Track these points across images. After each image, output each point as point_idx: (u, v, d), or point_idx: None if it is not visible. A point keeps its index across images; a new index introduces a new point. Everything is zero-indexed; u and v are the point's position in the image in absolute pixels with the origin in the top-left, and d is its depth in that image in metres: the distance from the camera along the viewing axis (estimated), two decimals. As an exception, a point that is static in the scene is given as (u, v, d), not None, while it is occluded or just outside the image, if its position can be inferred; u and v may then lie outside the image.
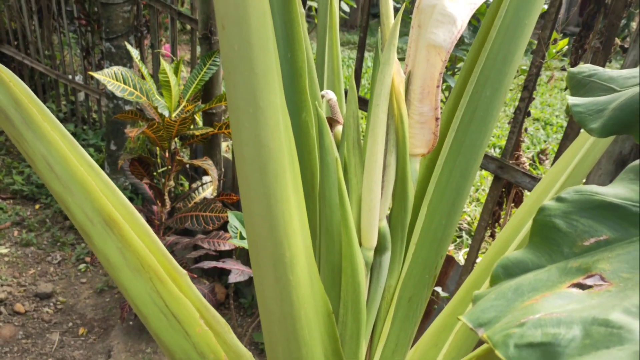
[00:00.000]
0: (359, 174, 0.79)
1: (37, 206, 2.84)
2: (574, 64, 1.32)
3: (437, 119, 0.78)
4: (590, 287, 0.42)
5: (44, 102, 3.70)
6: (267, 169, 0.55)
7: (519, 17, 0.80)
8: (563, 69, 1.55)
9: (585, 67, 0.65)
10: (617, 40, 1.21)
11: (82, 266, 2.44)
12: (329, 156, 0.75)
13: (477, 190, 3.06)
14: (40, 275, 2.36)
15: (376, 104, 0.71)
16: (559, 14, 1.28)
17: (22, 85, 0.80)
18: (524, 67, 1.75)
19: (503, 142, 3.60)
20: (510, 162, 1.40)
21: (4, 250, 2.46)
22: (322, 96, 0.95)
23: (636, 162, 0.45)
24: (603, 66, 1.24)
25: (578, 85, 0.64)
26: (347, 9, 3.26)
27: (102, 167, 2.84)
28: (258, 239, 0.62)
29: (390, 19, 0.79)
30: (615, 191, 0.44)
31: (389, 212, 0.82)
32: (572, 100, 0.61)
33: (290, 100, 0.84)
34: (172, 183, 2.09)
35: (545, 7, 1.31)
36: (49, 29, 3.42)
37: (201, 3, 1.99)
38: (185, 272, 0.92)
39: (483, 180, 3.17)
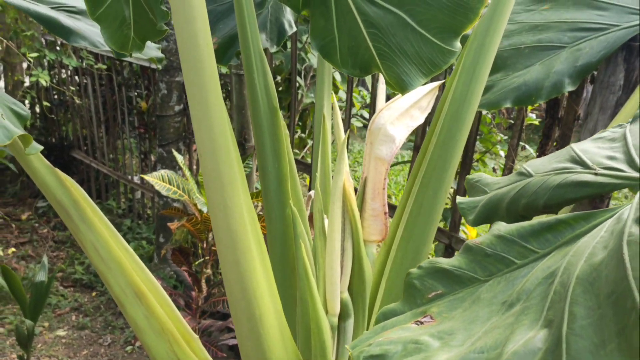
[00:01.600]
0: (324, 255, 1.02)
1: (94, 293, 3.14)
2: (537, 166, 1.54)
3: (385, 213, 1.01)
4: (422, 323, 0.64)
5: (106, 199, 4.11)
6: (237, 247, 0.80)
7: (451, 133, 1.03)
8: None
9: (476, 175, 0.88)
10: (571, 147, 1.42)
11: (129, 348, 2.68)
12: (299, 241, 0.99)
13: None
14: (92, 356, 2.62)
15: (332, 202, 0.96)
16: (523, 125, 1.52)
17: (80, 189, 1.09)
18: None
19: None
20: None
21: (62, 333, 2.75)
22: (310, 196, 1.21)
23: (468, 241, 0.67)
24: (561, 168, 1.45)
25: (470, 188, 0.87)
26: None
27: (152, 257, 3.14)
28: (234, 300, 0.86)
29: (340, 138, 1.04)
30: (449, 260, 0.67)
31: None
32: (459, 199, 0.84)
33: (277, 200, 1.09)
34: (209, 271, 2.35)
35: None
36: (114, 136, 3.88)
37: (237, 114, 2.33)
38: (196, 336, 1.16)
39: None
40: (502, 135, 2.28)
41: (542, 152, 1.49)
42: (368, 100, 3.65)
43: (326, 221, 1.03)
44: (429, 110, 1.04)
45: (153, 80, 3.09)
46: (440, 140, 1.04)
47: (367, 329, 1.08)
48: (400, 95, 1.03)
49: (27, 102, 4.25)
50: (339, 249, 0.98)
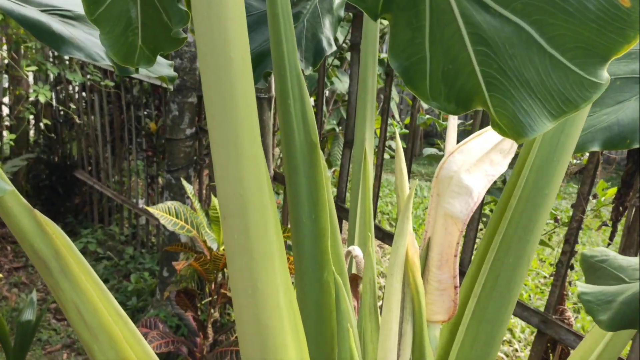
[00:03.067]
0: (375, 340, 0.78)
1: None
2: (614, 220, 1.29)
3: (455, 286, 0.78)
4: None
5: (109, 224, 3.88)
6: (267, 347, 0.56)
7: (539, 187, 0.81)
8: (605, 224, 1.53)
9: (597, 251, 0.64)
10: (659, 199, 1.19)
11: (123, 393, 2.43)
12: (344, 321, 0.76)
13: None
14: (81, 400, 2.37)
15: (390, 274, 0.72)
16: (597, 170, 1.28)
17: (64, 237, 0.86)
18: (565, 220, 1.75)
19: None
20: (554, 317, 1.35)
21: (51, 373, 2.50)
22: (349, 252, 0.98)
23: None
24: (645, 224, 1.21)
25: (591, 269, 0.64)
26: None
27: (154, 292, 2.90)
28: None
29: (404, 191, 0.81)
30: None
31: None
32: (582, 288, 0.60)
33: (313, 260, 0.86)
34: (216, 314, 2.11)
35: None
36: (120, 157, 3.67)
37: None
38: None
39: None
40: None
41: (620, 202, 1.26)
42: (400, 130, 3.43)
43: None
44: (512, 154, 0.81)
45: (164, 100, 2.88)
46: (525, 194, 0.81)
47: None
48: (476, 134, 0.81)
49: (30, 117, 4.06)
50: (396, 334, 0.74)
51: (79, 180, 3.96)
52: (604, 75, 0.51)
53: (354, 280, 0.96)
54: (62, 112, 3.98)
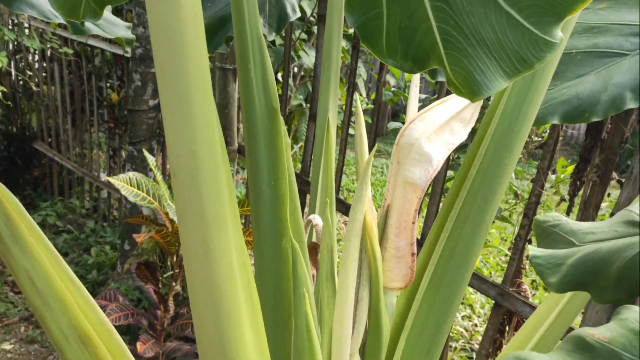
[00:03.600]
0: (331, 306, 0.78)
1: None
2: (572, 195, 1.32)
3: (413, 254, 0.78)
4: None
5: (69, 197, 3.80)
6: (221, 310, 0.55)
7: (499, 157, 0.81)
8: (563, 199, 1.56)
9: (550, 217, 0.65)
10: (615, 175, 1.21)
11: (82, 367, 2.40)
12: (301, 287, 0.75)
13: (478, 316, 2.97)
14: (40, 374, 2.33)
15: (348, 240, 0.72)
16: (557, 145, 1.30)
17: (14, 201, 0.83)
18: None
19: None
20: (511, 289, 1.37)
21: (7, 347, 2.45)
22: (310, 221, 0.97)
23: (577, 331, 0.44)
24: (601, 199, 1.23)
25: (543, 234, 0.64)
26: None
27: (115, 266, 2.86)
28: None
29: (364, 157, 0.81)
30: (553, 361, 0.43)
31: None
32: (533, 251, 0.60)
33: (271, 228, 0.85)
34: (178, 287, 2.09)
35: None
36: (81, 129, 3.58)
37: (219, 114, 2.08)
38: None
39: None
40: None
41: (578, 177, 1.28)
42: (365, 105, 3.41)
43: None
44: (472, 124, 0.81)
45: (127, 70, 2.81)
46: (485, 164, 0.82)
47: (379, 401, 0.84)
48: (437, 102, 0.80)
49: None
50: (352, 300, 0.74)
51: (39, 152, 3.86)
52: (558, 34, 0.51)
53: (314, 248, 0.95)
54: (21, 82, 3.85)
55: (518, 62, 0.52)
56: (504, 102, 0.81)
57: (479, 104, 0.80)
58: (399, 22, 0.52)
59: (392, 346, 0.85)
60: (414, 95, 0.84)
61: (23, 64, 3.85)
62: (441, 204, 1.51)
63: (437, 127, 0.78)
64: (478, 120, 0.94)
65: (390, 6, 0.51)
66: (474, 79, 0.52)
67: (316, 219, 0.96)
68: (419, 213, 0.80)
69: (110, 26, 0.96)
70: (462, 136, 0.80)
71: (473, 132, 0.88)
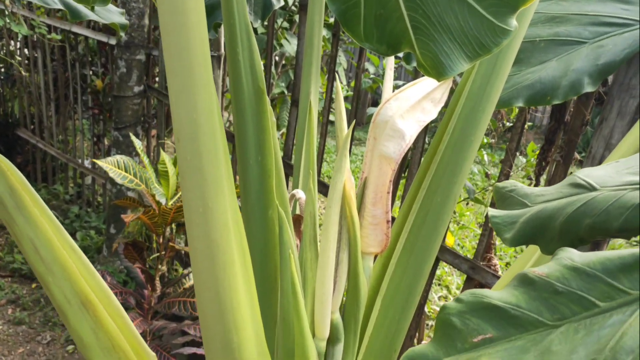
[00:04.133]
0: (314, 268, 0.86)
1: (33, 285, 2.89)
2: (537, 174, 1.41)
3: (388, 221, 0.86)
4: (470, 378, 0.49)
5: (53, 183, 3.83)
6: (216, 261, 0.63)
7: (466, 133, 0.89)
8: (529, 178, 1.65)
9: (508, 183, 0.73)
10: (576, 155, 1.31)
11: (70, 347, 2.46)
12: (286, 251, 0.83)
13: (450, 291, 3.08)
14: (28, 355, 2.38)
15: (329, 206, 0.80)
16: (524, 127, 1.39)
17: (18, 174, 0.89)
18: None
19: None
20: (482, 263, 1.46)
21: (-5, 328, 2.50)
22: (293, 195, 1.05)
23: (524, 270, 0.52)
24: (564, 177, 1.33)
25: (501, 198, 0.73)
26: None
27: (101, 249, 2.91)
28: (208, 324, 0.69)
29: (343, 131, 0.88)
30: (501, 295, 0.51)
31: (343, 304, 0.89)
32: (492, 212, 0.69)
33: (258, 199, 0.92)
34: (164, 268, 2.15)
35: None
36: (64, 115, 3.61)
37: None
38: (154, 354, 0.98)
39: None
40: (487, 137, 2.16)
41: (543, 158, 1.37)
42: (345, 93, 3.49)
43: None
44: (442, 104, 0.89)
45: (111, 57, 2.85)
46: (453, 140, 0.90)
47: (357, 355, 0.92)
48: (410, 84, 0.88)
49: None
50: (333, 262, 0.82)
51: (21, 139, 3.88)
52: (513, 22, 0.59)
53: (297, 220, 1.03)
54: (2, 69, 3.86)
55: (478, 46, 0.60)
56: (469, 84, 0.89)
57: (448, 85, 0.88)
58: (374, 11, 0.59)
59: (370, 306, 0.94)
60: (389, 77, 0.92)
61: (4, 51, 3.86)
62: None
63: (410, 106, 0.86)
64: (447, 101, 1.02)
65: (366, -5, 0.59)
66: (440, 61, 0.60)
67: (299, 192, 1.03)
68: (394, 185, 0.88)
69: (106, 12, 1.02)
70: (432, 114, 0.88)
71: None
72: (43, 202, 0.91)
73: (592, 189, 0.59)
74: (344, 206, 0.82)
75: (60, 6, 0.97)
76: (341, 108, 0.87)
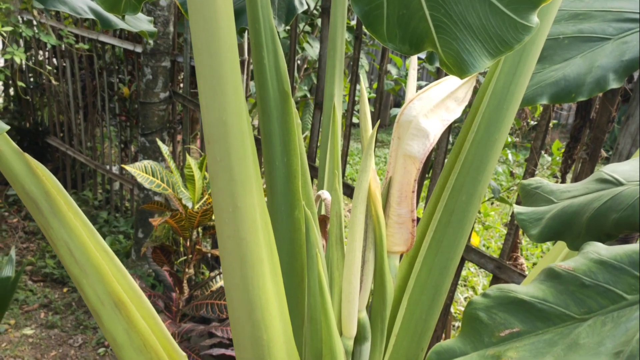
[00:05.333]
0: (340, 267, 0.87)
1: (65, 289, 2.95)
2: (563, 172, 1.40)
3: (413, 220, 0.87)
4: (498, 371, 0.49)
5: (82, 190, 3.90)
6: (245, 259, 0.64)
7: (490, 132, 0.89)
8: (555, 176, 1.64)
9: (533, 180, 0.74)
10: (603, 152, 1.30)
11: (101, 350, 2.50)
12: (313, 251, 0.84)
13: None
14: (60, 358, 2.43)
15: (355, 206, 0.81)
16: (549, 125, 1.38)
17: (53, 179, 0.92)
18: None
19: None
20: (508, 262, 1.46)
21: (29, 332, 2.55)
22: (319, 196, 1.06)
23: (550, 265, 0.53)
24: (590, 175, 1.32)
25: (527, 195, 0.73)
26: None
27: (129, 253, 2.96)
28: (237, 322, 0.70)
29: (368, 132, 0.89)
30: (527, 289, 0.52)
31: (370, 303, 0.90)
32: (517, 208, 0.69)
33: (285, 200, 0.94)
34: (191, 271, 2.18)
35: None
36: (92, 123, 3.68)
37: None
38: (184, 354, 0.99)
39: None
40: (512, 136, 2.14)
41: (569, 156, 1.36)
42: (368, 95, 3.49)
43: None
44: (466, 103, 0.90)
45: (137, 65, 2.90)
46: (477, 138, 0.90)
47: (385, 354, 0.93)
48: (434, 83, 0.89)
49: (0, 84, 4.02)
50: (359, 261, 0.83)
51: (51, 147, 3.96)
52: (534, 19, 0.59)
53: (323, 221, 1.04)
54: (32, 79, 3.95)
55: (500, 43, 0.60)
56: (493, 82, 0.89)
57: (472, 84, 0.89)
58: (397, 11, 0.60)
59: (396, 304, 0.94)
60: (413, 77, 0.93)
61: (33, 61, 3.95)
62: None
63: (434, 105, 0.86)
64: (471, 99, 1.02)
65: (389, -3, 0.60)
66: (462, 58, 0.61)
67: (325, 194, 1.04)
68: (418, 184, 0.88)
69: (135, 21, 1.05)
70: (456, 113, 0.89)
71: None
72: (77, 206, 0.94)
73: (618, 183, 0.59)
74: (370, 205, 0.83)
75: (91, 16, 1.00)
76: (365, 109, 0.89)
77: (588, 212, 0.59)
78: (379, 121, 0.97)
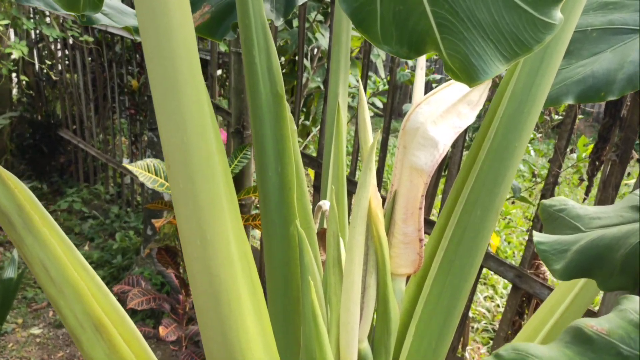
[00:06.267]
0: (338, 292, 0.78)
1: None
2: (590, 175, 1.29)
3: (420, 239, 0.77)
4: None
5: (94, 183, 3.86)
6: (220, 298, 0.56)
7: (508, 139, 0.79)
8: (581, 179, 1.52)
9: (556, 200, 0.64)
10: (635, 154, 1.18)
11: (109, 350, 2.45)
12: (307, 274, 0.75)
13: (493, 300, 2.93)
14: (67, 359, 2.38)
15: (353, 227, 0.72)
16: (574, 124, 1.27)
17: (27, 191, 0.84)
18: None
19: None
20: (529, 271, 1.36)
21: (36, 331, 2.51)
22: (319, 207, 0.97)
23: (576, 322, 0.43)
24: (621, 179, 1.20)
25: (549, 219, 0.63)
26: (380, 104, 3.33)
27: (139, 250, 2.90)
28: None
29: (368, 142, 0.80)
30: (550, 354, 0.42)
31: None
32: (538, 237, 0.59)
33: (279, 214, 0.85)
34: (199, 272, 2.11)
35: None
36: (103, 116, 3.62)
37: (235, 98, 2.07)
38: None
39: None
40: (534, 132, 2.01)
41: (596, 157, 1.25)
42: (381, 87, 3.37)
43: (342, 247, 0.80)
44: (481, 106, 0.79)
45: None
46: (494, 146, 0.80)
47: (389, 387, 0.84)
48: (444, 85, 0.79)
49: (13, 76, 3.98)
50: (359, 286, 0.74)
51: (64, 139, 3.92)
52: (557, 15, 0.49)
53: (324, 234, 0.95)
54: (45, 71, 3.90)
55: (516, 44, 0.50)
56: (513, 83, 0.79)
57: (488, 84, 0.78)
58: (393, 7, 0.51)
59: (403, 332, 0.85)
60: (420, 77, 0.83)
61: (46, 52, 3.89)
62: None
63: (444, 110, 0.77)
64: (489, 100, 0.92)
65: (383, -9, 0.50)
66: (470, 63, 0.51)
67: (325, 204, 0.95)
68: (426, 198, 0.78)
69: (120, 15, 0.96)
70: (469, 119, 0.79)
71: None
72: (53, 221, 0.86)
73: (661, 215, 0.49)
74: (370, 225, 0.74)
75: (70, 12, 0.91)
76: (365, 116, 0.79)
77: (623, 247, 0.49)
78: (379, 131, 0.87)
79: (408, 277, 0.84)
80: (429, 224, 1.53)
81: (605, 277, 0.52)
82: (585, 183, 1.40)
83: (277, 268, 0.85)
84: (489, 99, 1.63)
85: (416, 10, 0.50)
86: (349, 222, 0.83)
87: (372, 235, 0.74)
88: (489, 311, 2.79)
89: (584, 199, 1.48)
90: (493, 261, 1.43)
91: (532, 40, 0.50)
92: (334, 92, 1.05)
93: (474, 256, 0.82)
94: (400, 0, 0.50)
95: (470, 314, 2.25)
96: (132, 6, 1.19)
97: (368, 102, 3.38)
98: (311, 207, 0.96)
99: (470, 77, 0.51)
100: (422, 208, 0.77)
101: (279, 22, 1.07)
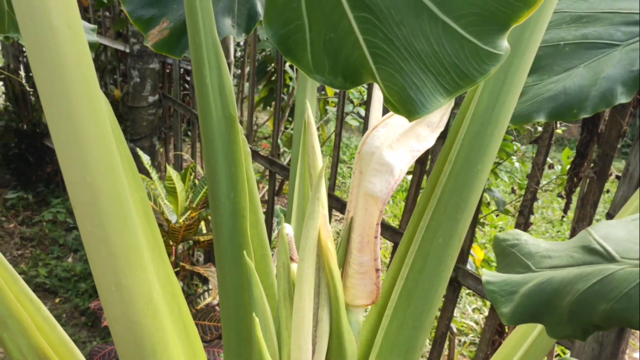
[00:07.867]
0: (289, 327, 0.74)
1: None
2: (568, 192, 1.25)
3: (377, 270, 0.73)
4: None
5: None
6: (143, 346, 0.51)
7: (470, 162, 0.75)
8: (560, 195, 1.48)
9: (510, 234, 0.59)
10: (613, 169, 1.15)
11: (91, 365, 2.40)
12: (257, 309, 0.71)
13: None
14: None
15: (302, 259, 0.68)
16: (552, 139, 1.23)
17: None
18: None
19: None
20: (508, 290, 1.32)
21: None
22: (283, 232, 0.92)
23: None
24: (599, 196, 1.17)
25: (502, 254, 0.59)
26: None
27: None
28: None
29: (317, 169, 0.76)
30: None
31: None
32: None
33: (232, 243, 0.81)
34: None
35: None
36: (89, 125, 3.57)
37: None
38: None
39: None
40: (517, 144, 1.97)
41: (574, 173, 1.21)
42: (366, 97, 3.33)
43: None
44: (441, 128, 0.76)
45: (128, 66, 2.78)
46: (455, 169, 0.76)
47: None
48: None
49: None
50: (310, 321, 0.70)
51: (50, 149, 3.86)
52: (503, 44, 0.45)
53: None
54: (31, 80, 3.85)
55: (458, 76, 0.46)
56: (474, 103, 0.75)
57: (449, 106, 0.75)
58: (323, 35, 0.46)
59: (362, 364, 0.81)
60: (378, 98, 0.79)
61: (26, 60, 3.85)
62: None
63: (401, 133, 0.73)
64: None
65: (312, 18, 0.46)
66: (408, 96, 0.47)
67: (287, 228, 0.91)
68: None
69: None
70: (429, 142, 0.75)
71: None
72: (-4, 249, 0.82)
73: (609, 259, 0.45)
74: (321, 257, 0.70)
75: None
76: (313, 141, 0.75)
77: (571, 294, 0.45)
78: (327, 159, 0.82)
79: (366, 310, 0.80)
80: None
81: (554, 325, 0.48)
82: (564, 200, 1.36)
83: (230, 298, 0.81)
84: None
85: (348, 39, 0.46)
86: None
87: (323, 267, 0.70)
88: (477, 323, 2.75)
89: (562, 216, 1.44)
90: (472, 279, 1.39)
91: (476, 72, 0.46)
92: (300, 110, 1.01)
93: (437, 285, 0.78)
94: (330, 28, 0.46)
95: (455, 329, 2.21)
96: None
97: (353, 112, 3.34)
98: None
99: (408, 111, 0.47)
100: (378, 237, 0.73)
101: (241, 38, 1.03)
